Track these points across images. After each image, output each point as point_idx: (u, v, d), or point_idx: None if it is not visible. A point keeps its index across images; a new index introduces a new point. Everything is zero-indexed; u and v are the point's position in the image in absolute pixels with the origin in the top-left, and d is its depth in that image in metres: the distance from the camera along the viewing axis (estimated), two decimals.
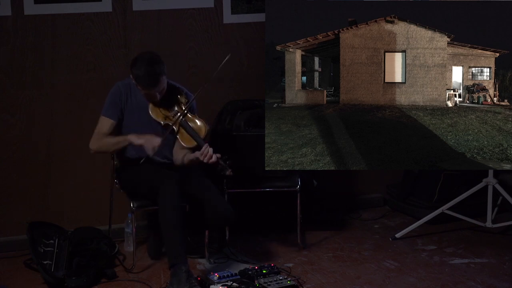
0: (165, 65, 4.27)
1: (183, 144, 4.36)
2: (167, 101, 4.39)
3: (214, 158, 4.19)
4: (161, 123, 4.37)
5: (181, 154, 4.44)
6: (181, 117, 4.33)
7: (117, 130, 4.43)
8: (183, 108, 4.36)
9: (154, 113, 4.36)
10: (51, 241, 4.44)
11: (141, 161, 4.26)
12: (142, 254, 4.74)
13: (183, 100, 4.43)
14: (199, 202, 4.31)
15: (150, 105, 4.37)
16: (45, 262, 4.33)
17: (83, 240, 4.63)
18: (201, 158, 4.21)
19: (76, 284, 4.25)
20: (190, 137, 4.33)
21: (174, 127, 4.35)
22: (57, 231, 4.55)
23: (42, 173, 4.89)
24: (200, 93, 4.37)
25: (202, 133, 4.35)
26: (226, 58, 4.32)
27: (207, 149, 4.19)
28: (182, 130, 4.35)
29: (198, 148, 4.29)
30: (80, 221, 4.89)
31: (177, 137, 4.39)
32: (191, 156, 4.31)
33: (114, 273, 4.45)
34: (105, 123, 4.40)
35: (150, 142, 4.25)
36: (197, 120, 4.40)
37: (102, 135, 4.38)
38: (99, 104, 4.80)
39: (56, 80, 4.84)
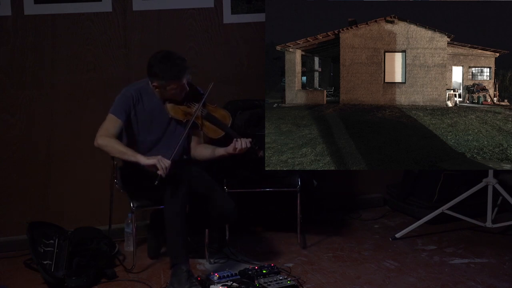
0: None
1: (210, 136, 4.33)
2: (184, 99, 4.34)
3: (248, 144, 4.19)
4: (182, 121, 4.32)
5: (206, 150, 4.42)
6: (202, 109, 4.30)
7: (122, 132, 4.38)
8: (201, 101, 4.31)
9: (173, 111, 4.30)
10: (51, 241, 4.44)
11: (156, 182, 4.08)
12: (142, 254, 4.74)
13: (198, 94, 4.37)
14: (201, 200, 4.30)
15: (168, 107, 4.31)
16: (45, 262, 4.33)
17: (83, 240, 4.63)
18: (237, 152, 4.19)
19: (76, 284, 4.25)
20: (216, 128, 4.29)
21: (197, 121, 4.31)
22: (57, 231, 4.55)
23: (42, 173, 4.89)
24: (209, 90, 4.34)
25: (228, 120, 4.33)
26: (210, 87, 4.30)
27: (239, 142, 4.18)
28: (206, 123, 4.31)
29: (225, 137, 4.26)
30: (80, 221, 4.90)
31: (199, 134, 4.36)
32: (221, 151, 4.30)
33: (114, 273, 4.45)
34: (112, 121, 4.31)
35: (163, 163, 4.10)
36: (219, 110, 4.37)
37: (110, 134, 4.28)
38: (99, 104, 4.82)
39: (56, 80, 4.84)
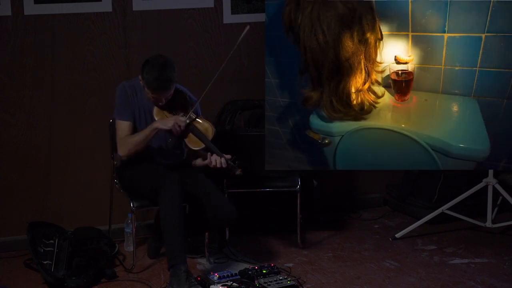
0: (176, 71, 4.26)
1: (190, 147, 4.35)
2: (172, 105, 4.36)
3: (223, 163, 4.20)
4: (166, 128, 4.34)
5: (191, 156, 4.48)
6: (187, 120, 4.33)
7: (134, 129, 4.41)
8: (189, 111, 4.34)
9: (159, 117, 4.33)
10: (51, 241, 4.44)
11: (169, 140, 4.30)
12: (142, 254, 4.74)
13: (187, 103, 4.40)
14: (200, 202, 4.31)
15: (155, 109, 4.34)
16: (45, 262, 4.33)
17: (83, 240, 4.63)
18: (211, 166, 4.24)
19: (76, 284, 4.25)
20: (197, 139, 4.32)
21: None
22: (57, 231, 4.55)
23: (42, 173, 4.89)
24: (203, 95, 4.36)
25: (210, 134, 4.33)
26: (246, 30, 4.30)
27: (214, 158, 4.21)
28: (189, 133, 4.34)
29: (206, 149, 4.29)
30: (80, 221, 4.90)
31: (183, 140, 4.38)
32: (202, 163, 4.35)
33: (114, 273, 4.45)
34: (123, 127, 4.35)
35: (177, 125, 4.21)
36: (203, 122, 4.38)
37: (125, 136, 4.35)
38: (99, 104, 4.82)
39: (56, 80, 4.84)
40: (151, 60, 4.25)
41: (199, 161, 4.43)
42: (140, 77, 4.29)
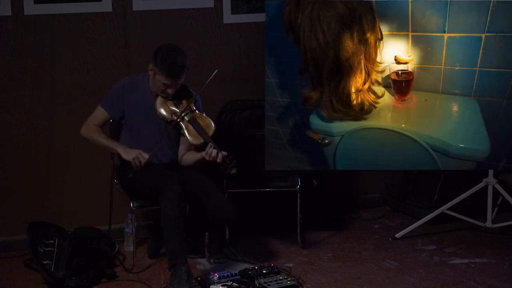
0: (187, 60, 4.33)
1: (190, 140, 4.36)
2: (174, 98, 4.40)
3: (219, 158, 4.20)
4: (167, 119, 4.37)
5: (186, 153, 4.46)
6: (188, 113, 4.34)
7: (111, 123, 4.47)
8: (190, 105, 4.37)
9: (162, 107, 4.37)
10: (51, 241, 4.44)
11: (129, 175, 4.27)
12: (142, 254, 4.74)
13: (190, 96, 4.43)
14: (200, 202, 4.31)
15: (158, 100, 4.37)
16: (45, 262, 4.33)
17: (83, 240, 4.63)
18: (207, 158, 4.22)
19: (76, 284, 4.25)
20: (197, 134, 4.33)
21: (181, 123, 4.35)
22: (57, 231, 4.55)
23: (42, 173, 4.89)
24: (201, 93, 4.38)
25: (210, 130, 4.35)
26: (213, 74, 4.30)
27: (211, 150, 4.21)
28: (189, 127, 4.36)
29: (204, 145, 4.30)
30: (80, 221, 4.90)
31: (182, 135, 4.39)
32: (198, 155, 4.34)
33: (114, 273, 4.45)
34: (100, 114, 4.43)
35: (138, 160, 4.24)
36: (205, 118, 4.41)
37: (95, 125, 4.41)
38: (99, 104, 4.81)
39: (56, 80, 4.84)
40: (165, 48, 4.29)
41: (190, 155, 4.43)
42: (150, 66, 4.31)
